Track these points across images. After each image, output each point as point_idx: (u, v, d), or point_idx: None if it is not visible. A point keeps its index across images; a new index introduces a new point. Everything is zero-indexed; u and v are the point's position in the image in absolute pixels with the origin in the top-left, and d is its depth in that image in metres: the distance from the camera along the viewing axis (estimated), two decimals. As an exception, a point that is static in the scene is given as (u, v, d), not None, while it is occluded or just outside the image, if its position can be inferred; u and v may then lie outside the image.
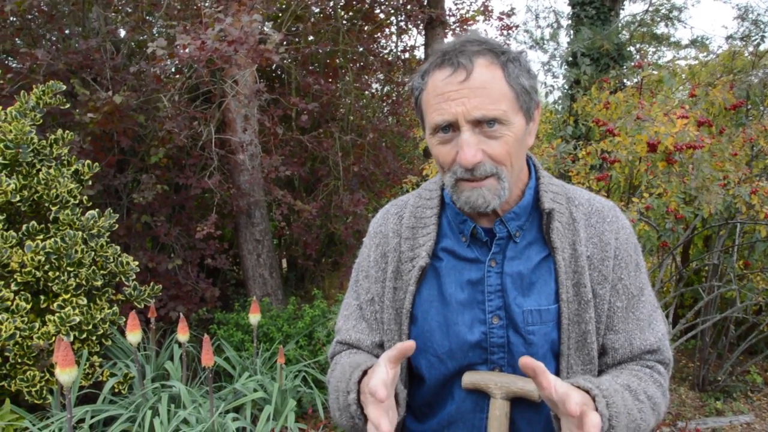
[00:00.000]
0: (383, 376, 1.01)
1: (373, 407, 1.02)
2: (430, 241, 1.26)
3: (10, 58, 5.15)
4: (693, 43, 7.91)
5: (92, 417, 3.44)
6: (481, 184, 1.12)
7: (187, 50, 3.71)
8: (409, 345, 1.04)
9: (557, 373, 1.20)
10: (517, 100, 1.12)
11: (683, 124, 3.17)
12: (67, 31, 5.15)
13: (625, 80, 4.84)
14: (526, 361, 0.99)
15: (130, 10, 5.35)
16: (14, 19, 4.90)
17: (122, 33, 5.21)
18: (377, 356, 1.34)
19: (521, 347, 1.18)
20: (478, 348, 1.20)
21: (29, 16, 4.86)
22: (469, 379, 1.19)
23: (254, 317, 3.98)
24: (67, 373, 2.85)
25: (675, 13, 7.96)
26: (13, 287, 3.52)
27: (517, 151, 1.14)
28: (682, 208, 3.21)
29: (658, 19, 7.79)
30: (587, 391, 1.06)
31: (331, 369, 1.34)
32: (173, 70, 5.04)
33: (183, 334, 3.65)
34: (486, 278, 1.21)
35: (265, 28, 3.77)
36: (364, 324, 1.36)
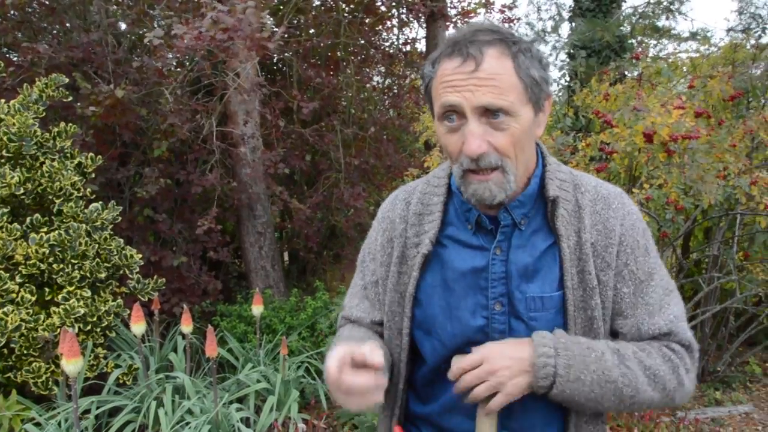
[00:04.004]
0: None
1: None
2: (434, 229, 1.28)
3: (11, 52, 5.16)
4: (693, 36, 7.90)
5: (97, 407, 3.48)
6: (487, 177, 1.14)
7: (185, 41, 3.72)
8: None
9: None
10: (526, 92, 1.12)
11: (679, 115, 3.19)
12: (68, 24, 5.16)
13: (626, 72, 4.85)
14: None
15: (131, 3, 5.35)
16: (15, 12, 4.90)
17: (123, 26, 5.22)
18: (376, 332, 1.41)
19: (523, 333, 1.20)
20: (480, 332, 1.22)
21: (29, 9, 4.86)
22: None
23: (257, 309, 4.01)
24: (72, 364, 2.88)
25: (676, 4, 7.96)
26: (18, 279, 3.54)
27: (524, 143, 1.15)
28: (682, 199, 3.23)
29: (660, 11, 7.77)
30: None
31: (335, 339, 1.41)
32: (174, 63, 5.05)
33: (186, 326, 3.68)
34: (490, 266, 1.23)
35: (265, 20, 3.77)
36: (367, 303, 1.42)
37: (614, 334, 1.26)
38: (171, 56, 4.06)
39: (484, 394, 1.14)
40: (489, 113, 1.10)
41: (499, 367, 1.13)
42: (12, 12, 4.88)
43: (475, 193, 1.15)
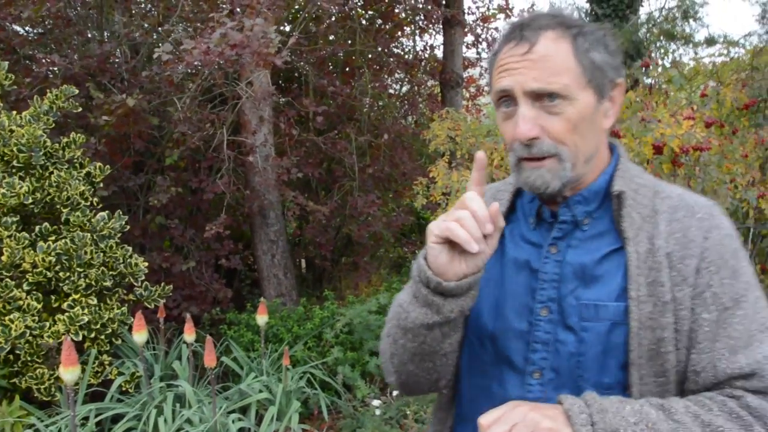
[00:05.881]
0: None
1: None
2: None
3: (32, 63, 5.29)
4: (710, 42, 7.68)
5: (98, 415, 3.52)
6: (541, 164, 1.06)
7: (193, 55, 3.77)
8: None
9: (627, 386, 1.05)
10: (585, 75, 1.05)
11: (689, 126, 3.09)
12: (89, 35, 5.27)
13: (637, 79, 4.74)
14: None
15: (154, 13, 5.43)
16: (47, 22, 4.99)
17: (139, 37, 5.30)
18: None
19: (571, 346, 1.08)
20: (521, 339, 1.12)
21: (48, 23, 4.97)
22: None
23: (261, 318, 4.01)
24: (69, 372, 2.92)
25: (697, 8, 7.75)
26: (25, 287, 3.62)
27: (583, 130, 1.06)
28: (686, 212, 3.13)
29: (676, 16, 7.57)
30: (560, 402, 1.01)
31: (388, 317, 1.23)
32: (187, 71, 5.11)
33: (189, 335, 3.70)
34: (542, 265, 1.13)
35: (269, 32, 3.79)
36: None
37: (685, 373, 1.07)
38: (181, 69, 4.10)
39: None
40: (543, 97, 1.04)
41: (529, 411, 0.98)
42: (46, 22, 4.99)
43: (527, 181, 1.08)
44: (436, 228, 1.00)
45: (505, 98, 1.08)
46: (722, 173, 3.28)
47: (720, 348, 1.03)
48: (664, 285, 1.04)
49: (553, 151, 1.05)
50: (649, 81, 4.48)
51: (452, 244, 1.00)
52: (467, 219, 0.97)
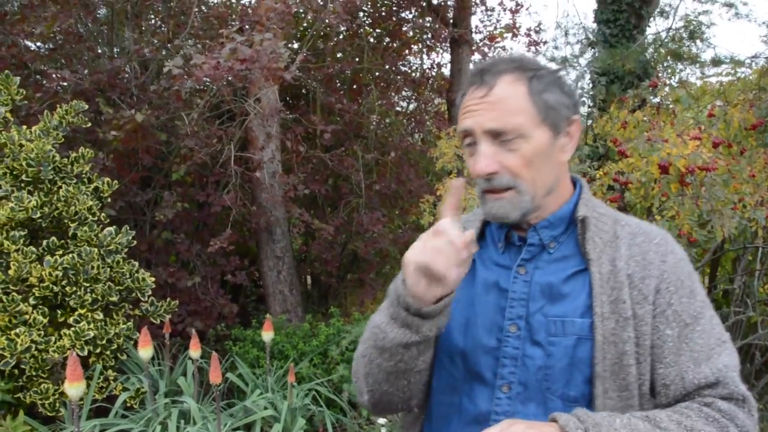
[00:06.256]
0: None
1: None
2: None
3: (43, 78, 5.34)
4: (715, 63, 7.74)
5: (103, 430, 3.50)
6: (502, 196, 1.16)
7: (203, 70, 3.80)
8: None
9: (592, 398, 1.12)
10: (539, 115, 1.15)
11: (695, 146, 3.10)
12: (99, 50, 5.32)
13: (652, 98, 4.76)
14: None
15: (164, 29, 5.48)
16: (59, 38, 5.04)
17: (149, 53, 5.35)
18: None
19: (539, 360, 1.15)
20: (491, 355, 1.18)
21: (57, 39, 5.02)
22: None
23: (267, 335, 4.00)
24: (74, 388, 2.91)
25: (703, 28, 7.80)
26: (32, 301, 3.62)
27: (539, 164, 1.15)
28: (695, 232, 3.12)
29: (683, 37, 7.62)
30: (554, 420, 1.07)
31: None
32: (196, 87, 5.15)
33: (195, 351, 3.69)
34: (511, 284, 1.20)
35: (278, 47, 3.82)
36: None
37: (653, 387, 1.16)
38: (189, 84, 4.13)
39: None
40: (501, 135, 1.13)
41: (526, 429, 1.04)
42: (57, 38, 5.05)
43: (491, 211, 1.17)
44: (414, 259, 1.06)
45: (468, 137, 1.18)
46: (729, 193, 3.27)
47: (685, 361, 1.13)
48: (625, 302, 1.13)
49: (511, 184, 1.15)
50: (656, 101, 4.50)
51: (429, 272, 1.06)
52: (445, 248, 1.04)
